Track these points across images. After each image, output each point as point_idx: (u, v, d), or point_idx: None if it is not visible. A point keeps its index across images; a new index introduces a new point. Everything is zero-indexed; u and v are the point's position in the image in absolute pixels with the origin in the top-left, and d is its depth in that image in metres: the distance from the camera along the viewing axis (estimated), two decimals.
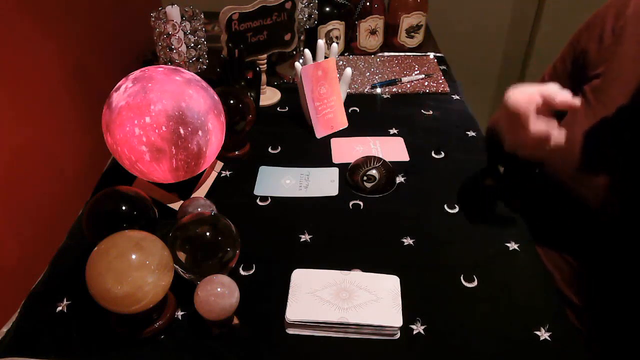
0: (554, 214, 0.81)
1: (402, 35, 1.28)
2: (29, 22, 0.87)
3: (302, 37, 1.11)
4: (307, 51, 0.94)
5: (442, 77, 1.17)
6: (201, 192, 0.81)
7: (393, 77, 1.16)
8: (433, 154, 0.92)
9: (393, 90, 1.13)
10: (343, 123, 0.99)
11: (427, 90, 1.12)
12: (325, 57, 0.96)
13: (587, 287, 0.74)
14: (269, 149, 0.94)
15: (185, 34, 0.91)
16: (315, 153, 0.93)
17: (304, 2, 1.06)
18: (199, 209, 0.67)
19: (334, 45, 0.97)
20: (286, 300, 0.61)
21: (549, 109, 0.63)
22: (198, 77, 0.73)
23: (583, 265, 0.75)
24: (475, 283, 0.67)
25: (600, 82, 0.71)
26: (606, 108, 0.69)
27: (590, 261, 0.74)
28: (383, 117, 1.03)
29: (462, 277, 0.67)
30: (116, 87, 0.69)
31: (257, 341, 0.60)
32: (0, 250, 0.80)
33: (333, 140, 0.96)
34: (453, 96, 1.11)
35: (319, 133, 0.97)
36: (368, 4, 1.22)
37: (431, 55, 1.29)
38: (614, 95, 0.69)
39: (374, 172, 0.82)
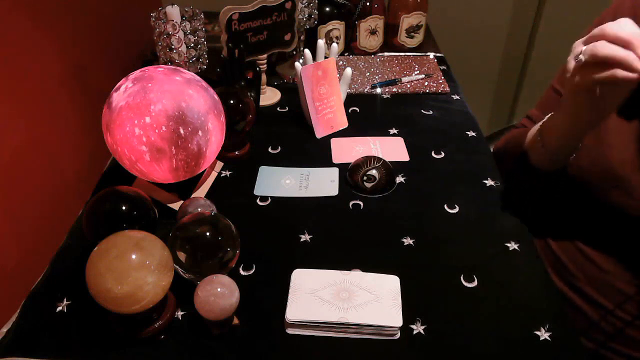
0: (577, 215, 0.80)
1: (402, 35, 1.28)
2: (29, 22, 0.87)
3: (302, 37, 1.11)
4: (307, 51, 0.94)
5: (442, 77, 1.17)
6: (201, 192, 0.81)
7: (393, 77, 1.16)
8: (433, 154, 0.92)
9: (393, 90, 1.13)
10: (343, 123, 0.99)
11: (427, 90, 1.12)
12: (325, 57, 0.96)
13: (613, 287, 0.73)
14: (269, 149, 0.94)
15: (185, 34, 0.91)
16: (315, 153, 0.93)
17: (304, 2, 1.06)
18: (199, 209, 0.67)
19: (334, 45, 0.97)
20: (286, 300, 0.61)
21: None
22: (198, 77, 0.73)
23: (610, 265, 0.74)
24: (475, 283, 0.67)
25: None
26: (636, 104, 0.68)
27: (618, 261, 0.74)
28: (383, 117, 1.03)
29: (462, 277, 0.67)
30: (116, 87, 0.69)
31: (257, 341, 0.60)
32: (0, 250, 0.80)
33: (333, 140, 0.96)
34: (453, 96, 1.11)
35: (319, 133, 0.97)
36: (368, 4, 1.22)
37: (431, 55, 1.29)
38: None
39: (374, 172, 0.82)
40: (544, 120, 0.73)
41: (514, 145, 0.85)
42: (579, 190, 0.75)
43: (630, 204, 0.69)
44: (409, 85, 1.14)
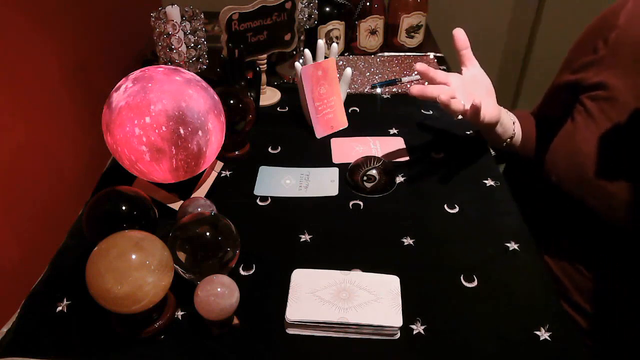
0: (563, 223, 0.80)
1: (402, 35, 1.28)
2: (29, 21, 0.87)
3: (302, 37, 1.11)
4: (307, 51, 0.93)
5: None
6: (201, 192, 0.81)
7: (393, 77, 1.16)
8: (433, 154, 0.92)
9: (393, 90, 1.13)
10: (343, 123, 0.99)
11: None
12: (325, 57, 0.96)
13: (601, 296, 0.74)
14: (269, 149, 0.94)
15: (185, 34, 0.91)
16: (315, 153, 0.93)
17: (304, 2, 1.06)
18: (199, 209, 0.67)
19: (334, 45, 0.97)
20: (286, 300, 0.61)
21: None
22: (198, 77, 0.73)
23: (595, 274, 0.74)
24: (475, 283, 0.67)
25: (601, 92, 0.71)
26: (611, 116, 0.69)
27: (602, 270, 0.74)
28: (383, 117, 1.03)
29: (462, 277, 0.67)
30: (116, 87, 0.69)
31: (257, 341, 0.60)
32: (0, 250, 0.80)
33: (333, 140, 0.96)
34: None
35: (319, 133, 0.97)
36: (368, 4, 1.22)
37: (431, 55, 1.29)
38: (620, 103, 0.68)
39: (374, 172, 0.82)
40: None
41: None
42: (559, 196, 0.76)
43: (608, 211, 0.69)
44: (409, 85, 1.14)
